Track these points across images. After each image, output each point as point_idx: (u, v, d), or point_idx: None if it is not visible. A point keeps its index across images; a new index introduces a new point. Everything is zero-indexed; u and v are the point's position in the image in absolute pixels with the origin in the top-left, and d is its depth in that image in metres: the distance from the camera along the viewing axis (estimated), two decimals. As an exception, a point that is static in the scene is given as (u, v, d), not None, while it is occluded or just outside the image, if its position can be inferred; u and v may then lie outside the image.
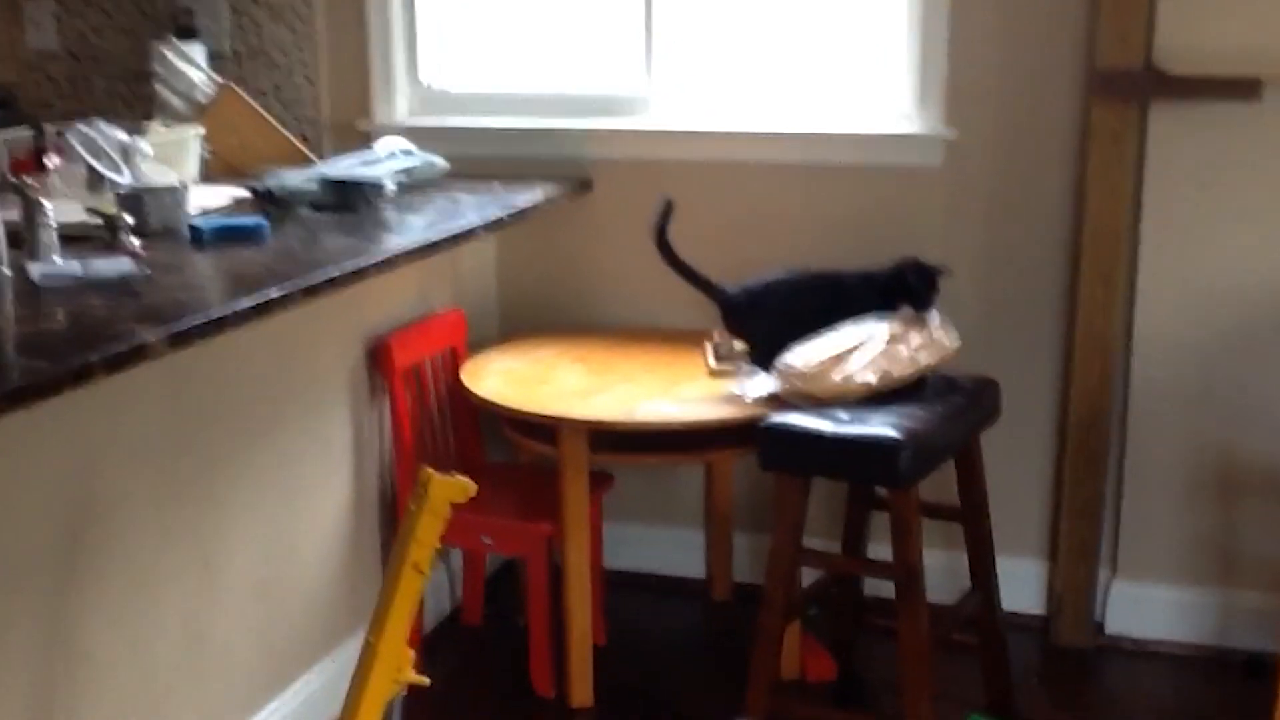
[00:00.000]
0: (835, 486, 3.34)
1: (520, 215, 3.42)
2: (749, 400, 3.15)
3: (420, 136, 3.70)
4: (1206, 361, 3.44)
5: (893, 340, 3.10)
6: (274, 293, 2.46)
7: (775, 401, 3.10)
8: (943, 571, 3.48)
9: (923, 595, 2.90)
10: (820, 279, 3.31)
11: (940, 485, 3.23)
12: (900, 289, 3.22)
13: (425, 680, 2.22)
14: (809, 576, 3.33)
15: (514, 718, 3.29)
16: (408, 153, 3.55)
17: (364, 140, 3.81)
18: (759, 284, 3.29)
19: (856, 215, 3.68)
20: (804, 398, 3.07)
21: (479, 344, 3.69)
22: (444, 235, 3.08)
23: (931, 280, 3.22)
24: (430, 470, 2.16)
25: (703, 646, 3.68)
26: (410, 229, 3.13)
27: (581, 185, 3.75)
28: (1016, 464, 3.65)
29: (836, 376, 3.05)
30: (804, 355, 3.11)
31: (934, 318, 3.18)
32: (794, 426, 2.93)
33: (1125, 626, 3.61)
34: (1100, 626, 3.63)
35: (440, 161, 3.61)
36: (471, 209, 3.34)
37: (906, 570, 2.89)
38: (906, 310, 3.18)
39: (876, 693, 3.39)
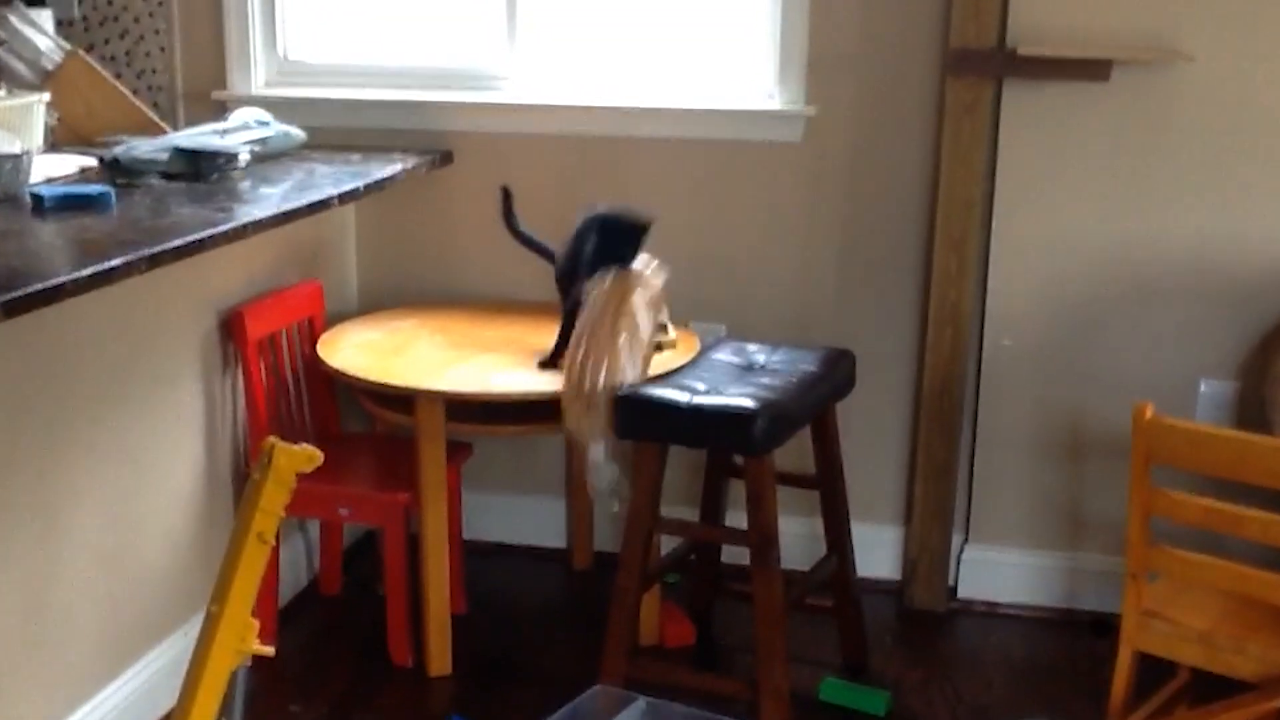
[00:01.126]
0: (695, 455, 3.38)
1: (378, 187, 3.39)
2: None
3: (278, 107, 3.66)
4: (1055, 330, 3.53)
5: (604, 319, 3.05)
6: (116, 260, 2.41)
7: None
8: (802, 538, 3.55)
9: (777, 561, 2.94)
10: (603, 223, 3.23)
11: (798, 454, 3.28)
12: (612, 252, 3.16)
13: (270, 650, 2.20)
14: (670, 545, 3.36)
15: (372, 687, 3.28)
16: (264, 123, 3.51)
17: (220, 110, 3.76)
18: (570, 243, 3.24)
19: (718, 190, 3.71)
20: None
21: (338, 316, 3.66)
22: (297, 206, 3.04)
23: (636, 236, 3.16)
24: (275, 439, 2.13)
25: (563, 614, 3.70)
26: (264, 200, 3.09)
27: (442, 158, 3.73)
28: (873, 432, 3.71)
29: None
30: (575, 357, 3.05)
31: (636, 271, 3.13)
32: (651, 396, 2.96)
33: (977, 590, 3.70)
34: (953, 590, 3.71)
35: (297, 133, 3.57)
36: (328, 180, 3.30)
37: (761, 536, 2.93)
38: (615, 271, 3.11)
39: (734, 657, 3.44)
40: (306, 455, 2.14)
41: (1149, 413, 2.64)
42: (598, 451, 3.15)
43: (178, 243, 2.58)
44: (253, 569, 2.14)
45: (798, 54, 3.60)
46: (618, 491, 3.28)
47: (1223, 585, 2.72)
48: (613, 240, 3.17)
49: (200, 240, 2.65)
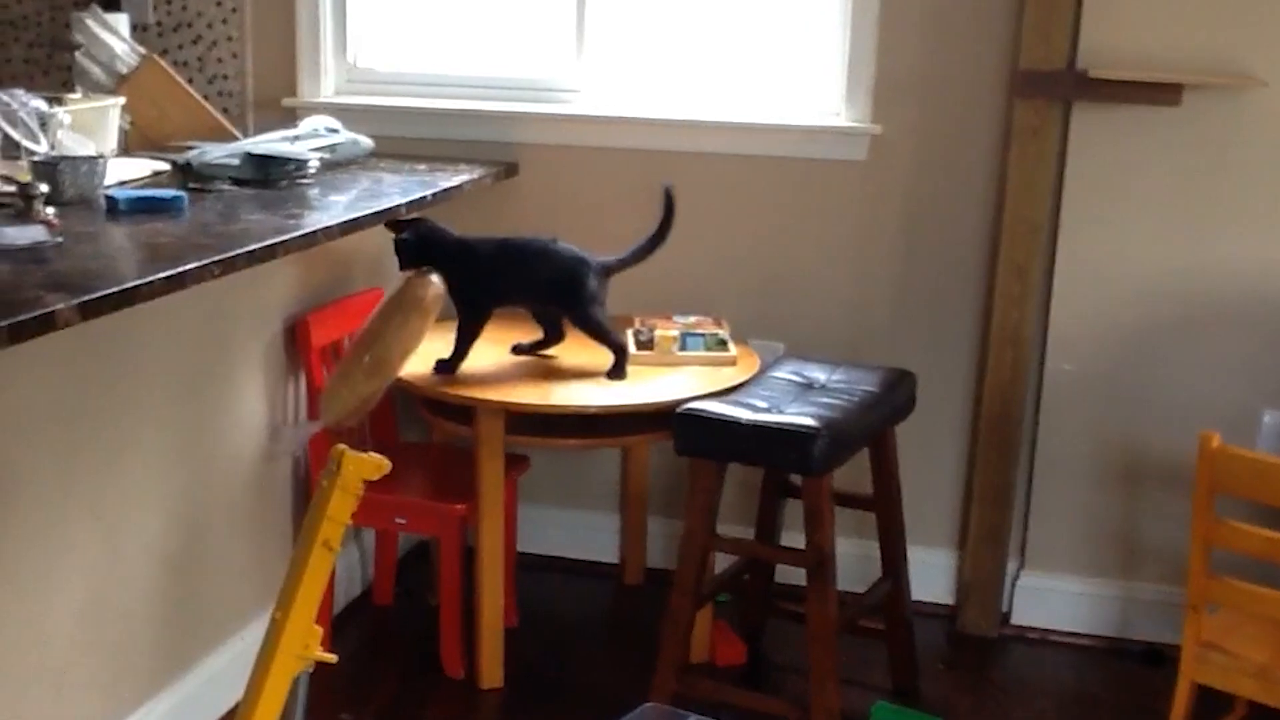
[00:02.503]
0: (750, 473, 3.37)
1: (444, 196, 3.41)
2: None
3: (347, 115, 3.69)
4: (1117, 356, 3.51)
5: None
6: (189, 265, 2.44)
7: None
8: (855, 560, 3.54)
9: (833, 581, 2.93)
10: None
11: (855, 475, 3.27)
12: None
13: (332, 658, 2.21)
14: (723, 563, 3.36)
15: (422, 698, 3.29)
16: (333, 130, 3.54)
17: (289, 117, 3.79)
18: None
19: (781, 206, 3.71)
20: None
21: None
22: (366, 214, 3.06)
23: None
24: (344, 447, 2.15)
25: (613, 630, 3.70)
26: (332, 207, 3.11)
27: (508, 169, 3.74)
28: (930, 455, 3.70)
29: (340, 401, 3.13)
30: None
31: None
32: (710, 413, 2.96)
33: (1030, 616, 3.67)
34: (1006, 616, 3.69)
35: (365, 140, 3.60)
36: (395, 189, 3.33)
37: (817, 556, 2.93)
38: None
39: (784, 676, 3.43)
40: (374, 463, 2.16)
41: (1215, 442, 2.62)
42: (306, 428, 3.21)
43: (250, 248, 2.60)
44: (318, 576, 2.15)
45: (865, 72, 3.60)
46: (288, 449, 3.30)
47: (1284, 618, 2.70)
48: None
49: (271, 246, 2.67)
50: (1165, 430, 3.48)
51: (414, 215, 3.25)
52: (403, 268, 3.22)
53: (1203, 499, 2.65)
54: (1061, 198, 3.48)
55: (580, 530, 3.97)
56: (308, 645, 2.16)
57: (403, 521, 3.34)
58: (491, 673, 3.30)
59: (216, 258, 2.51)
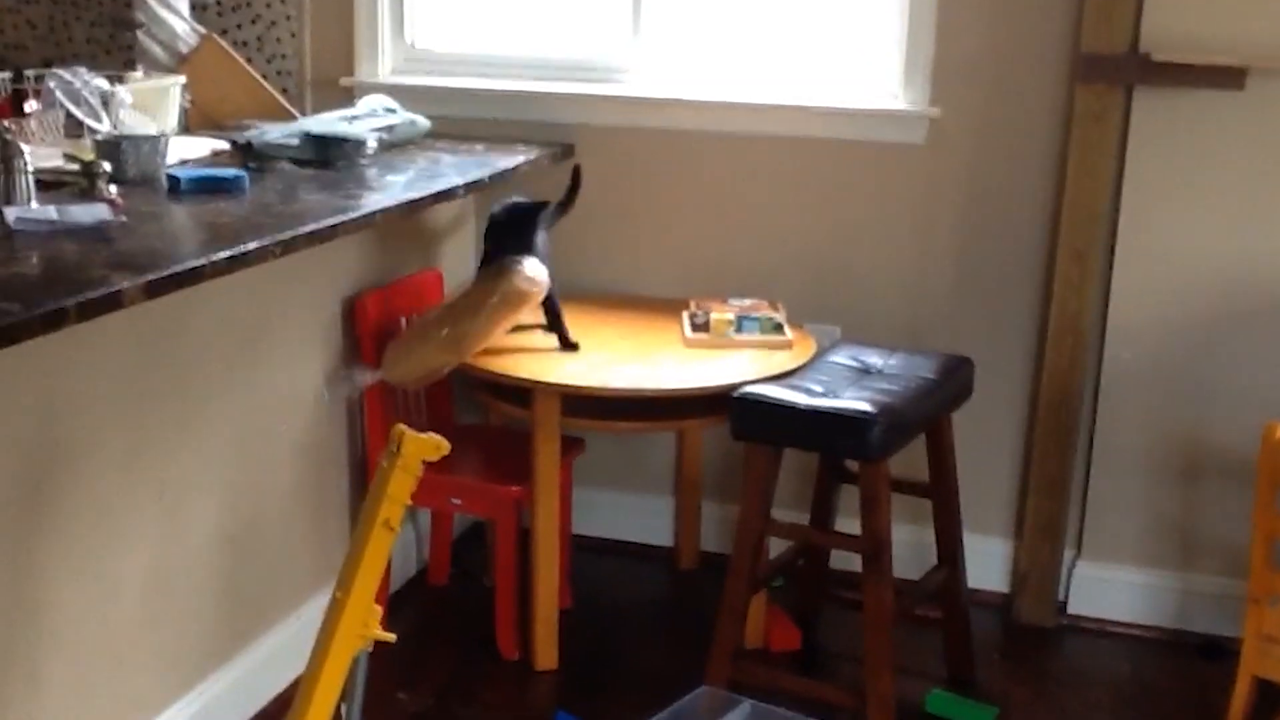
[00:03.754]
0: (806, 459, 3.36)
1: (501, 177, 3.41)
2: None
3: (404, 95, 3.69)
4: (1177, 345, 3.47)
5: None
6: (250, 245, 2.45)
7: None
8: (911, 547, 3.51)
9: (889, 568, 2.92)
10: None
11: (911, 461, 3.24)
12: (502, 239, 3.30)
13: (391, 637, 2.22)
14: (777, 548, 3.35)
15: (478, 678, 3.30)
16: (390, 111, 3.54)
17: (347, 97, 3.80)
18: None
19: (838, 190, 3.69)
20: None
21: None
22: (424, 195, 3.07)
23: (526, 223, 3.30)
24: (404, 427, 2.15)
25: (667, 614, 3.70)
26: (391, 187, 3.12)
27: (564, 150, 3.74)
28: (987, 442, 3.67)
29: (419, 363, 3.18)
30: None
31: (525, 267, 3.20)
32: (767, 397, 2.94)
33: (1087, 606, 3.64)
34: (1063, 605, 3.66)
35: (423, 121, 3.60)
36: (453, 169, 3.33)
37: (874, 543, 2.91)
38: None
39: (839, 663, 3.41)
40: (434, 443, 2.16)
41: (1279, 433, 2.59)
42: (363, 377, 3.22)
43: (311, 228, 2.61)
44: (378, 556, 2.16)
45: (924, 55, 3.56)
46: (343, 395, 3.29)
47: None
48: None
49: (331, 227, 2.68)
50: (1226, 421, 3.43)
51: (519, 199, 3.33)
52: (493, 251, 3.24)
53: (1265, 491, 2.62)
54: (1122, 184, 3.43)
55: (635, 514, 3.97)
56: (367, 624, 2.17)
57: (458, 503, 3.35)
58: (546, 654, 3.31)
59: (277, 238, 2.53)
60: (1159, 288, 3.45)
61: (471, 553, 3.80)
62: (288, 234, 2.55)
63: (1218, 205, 3.38)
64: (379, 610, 2.18)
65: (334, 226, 2.69)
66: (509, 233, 3.29)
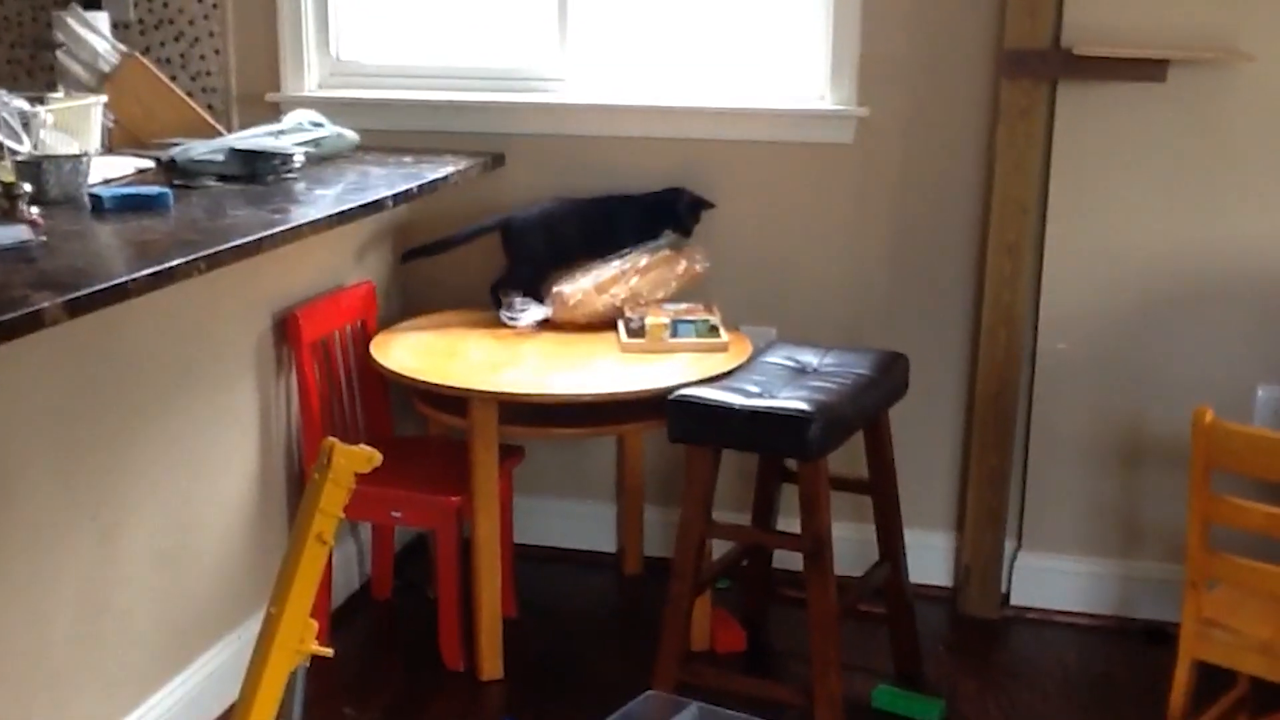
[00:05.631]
0: (747, 460, 3.36)
1: (431, 188, 3.39)
2: (521, 326, 3.48)
3: (331, 109, 3.67)
4: (1110, 334, 3.50)
5: (651, 267, 3.51)
6: (175, 261, 2.42)
7: (546, 325, 3.49)
8: (853, 544, 3.52)
9: (830, 566, 2.92)
10: (589, 206, 3.61)
11: (851, 458, 3.26)
12: (666, 215, 3.57)
13: (328, 651, 2.19)
14: (721, 550, 3.35)
15: (423, 690, 3.27)
16: (317, 125, 3.52)
17: (274, 112, 3.77)
18: (533, 211, 3.61)
19: (769, 191, 3.70)
20: (571, 321, 3.46)
21: (390, 317, 3.67)
22: (352, 207, 3.05)
23: (697, 210, 3.60)
24: (334, 440, 2.13)
25: (613, 619, 3.69)
26: (319, 201, 3.10)
27: (494, 159, 3.73)
28: (926, 437, 3.69)
29: (599, 302, 3.44)
30: (574, 284, 3.47)
31: (693, 248, 3.59)
32: (703, 399, 2.94)
33: (1030, 597, 3.66)
34: (1006, 597, 3.68)
35: (351, 134, 3.58)
36: (382, 182, 3.31)
37: (815, 541, 2.92)
38: (670, 236, 3.59)
39: (786, 662, 3.42)
40: (365, 456, 2.14)
41: (1209, 417, 2.61)
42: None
43: (236, 243, 2.58)
44: (312, 570, 2.14)
45: (850, 54, 3.58)
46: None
47: (1285, 592, 2.69)
48: (682, 208, 3.60)
49: (258, 241, 2.65)
50: (1161, 408, 3.47)
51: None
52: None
53: (1199, 475, 2.64)
54: (1050, 177, 3.46)
55: (578, 520, 3.96)
56: (303, 639, 2.14)
57: (398, 515, 3.33)
58: (491, 664, 3.29)
59: (203, 253, 2.50)
60: (1090, 278, 3.48)
61: (415, 565, 3.78)
62: (213, 249, 2.53)
63: (1144, 195, 3.42)
64: (315, 625, 2.16)
65: (260, 240, 2.67)
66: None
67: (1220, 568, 2.69)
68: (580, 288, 3.47)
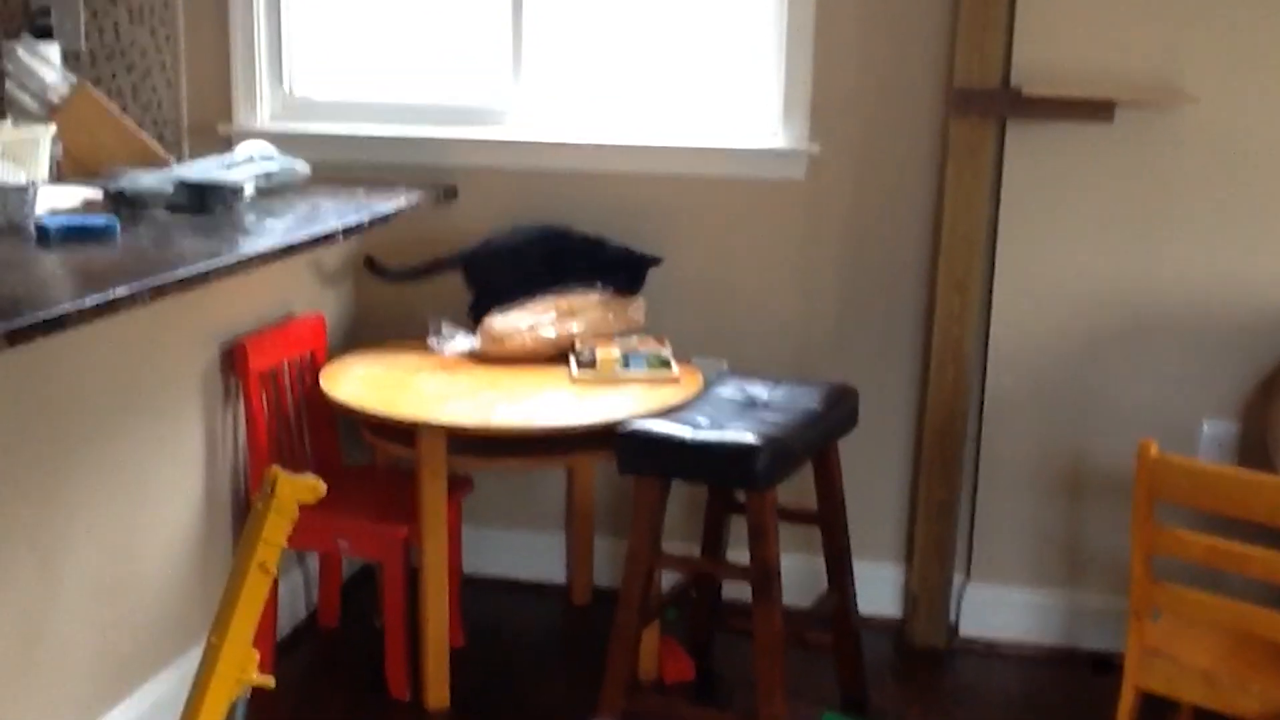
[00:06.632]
0: (697, 491, 3.37)
1: (383, 221, 3.39)
2: (445, 355, 3.50)
3: (283, 142, 3.67)
4: (1057, 369, 3.54)
5: (587, 310, 3.53)
6: (120, 291, 2.41)
7: (472, 358, 3.50)
8: (802, 574, 3.55)
9: (778, 595, 2.94)
10: (546, 235, 3.63)
11: (800, 490, 3.27)
12: (614, 273, 3.59)
13: (270, 681, 2.19)
14: (671, 581, 3.36)
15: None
16: (268, 157, 3.52)
17: (225, 144, 3.77)
18: (493, 240, 3.63)
19: (721, 227, 3.72)
20: (499, 355, 3.47)
21: (340, 349, 3.67)
22: (301, 239, 3.04)
23: (644, 270, 3.61)
24: (278, 469, 2.14)
25: (561, 649, 3.68)
26: (268, 232, 3.09)
27: (446, 192, 3.74)
28: (875, 469, 3.71)
29: (528, 338, 3.45)
30: (504, 318, 3.49)
31: (637, 300, 3.62)
32: (652, 432, 2.96)
33: (978, 627, 3.68)
34: (954, 628, 3.70)
35: (302, 167, 3.58)
36: (332, 214, 3.30)
37: (763, 571, 2.93)
38: (613, 289, 3.60)
39: (733, 691, 3.42)
40: (309, 485, 2.15)
41: (1153, 450, 2.64)
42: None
43: (181, 274, 2.57)
44: (254, 599, 2.13)
45: (802, 92, 3.62)
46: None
47: (1226, 623, 2.71)
48: (632, 266, 3.62)
49: (204, 272, 2.65)
50: (1108, 441, 3.51)
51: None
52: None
53: (1142, 506, 2.67)
54: (999, 215, 3.50)
55: (527, 551, 3.96)
56: (245, 669, 2.14)
57: (345, 544, 3.31)
58: (438, 694, 3.28)
59: (149, 283, 2.49)
60: (1038, 314, 3.52)
61: (363, 594, 3.77)
62: (158, 279, 2.51)
63: (1092, 232, 3.46)
64: (257, 655, 2.16)
65: (206, 272, 2.66)
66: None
67: (1163, 597, 2.71)
68: (512, 325, 3.47)
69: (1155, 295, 3.45)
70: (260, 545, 2.11)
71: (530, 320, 3.48)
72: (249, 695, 2.17)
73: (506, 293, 3.55)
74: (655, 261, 3.61)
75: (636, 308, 3.60)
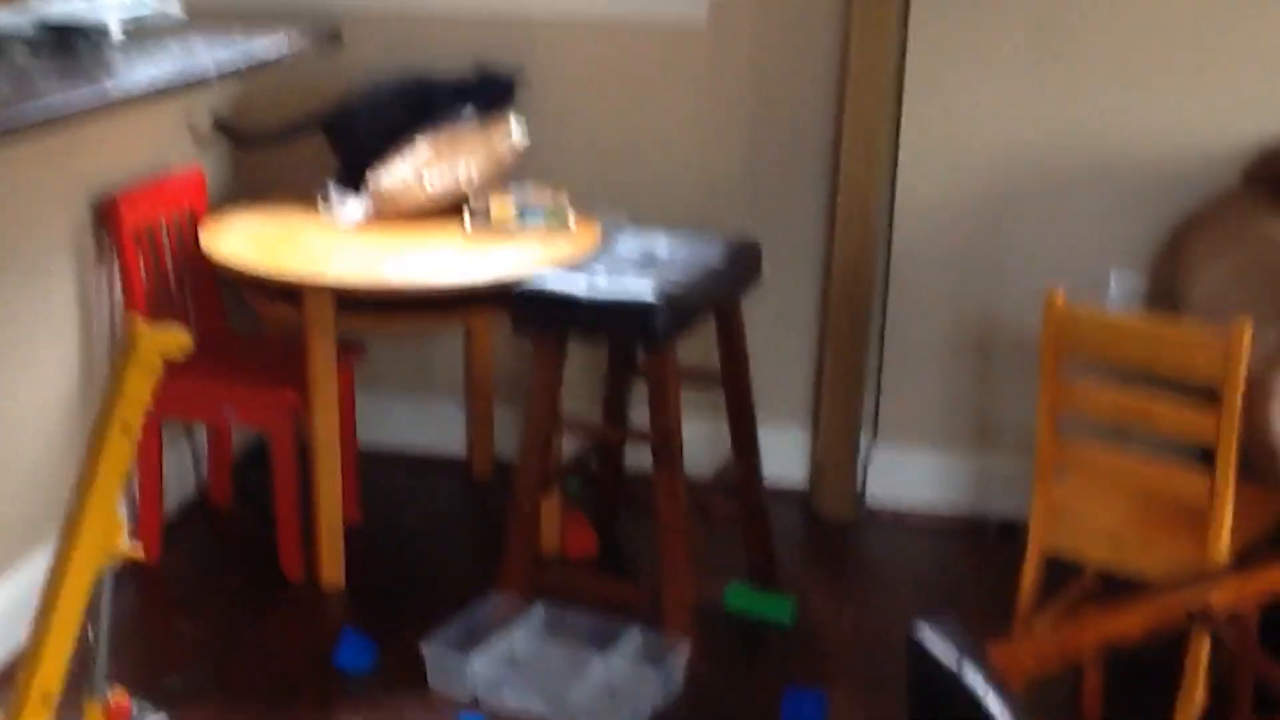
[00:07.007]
0: (600, 356, 3.25)
1: (261, 66, 3.19)
2: (341, 227, 3.25)
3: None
4: (965, 223, 3.45)
5: (464, 144, 3.31)
6: (-31, 132, 2.22)
7: (369, 223, 3.27)
8: (706, 442, 3.45)
9: (679, 460, 2.84)
10: (407, 87, 3.43)
11: (703, 352, 3.16)
12: (480, 93, 3.40)
13: (139, 553, 2.06)
14: (573, 451, 3.25)
15: (262, 602, 3.13)
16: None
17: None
18: (352, 99, 3.42)
19: (620, 74, 3.58)
20: (396, 214, 3.25)
21: (223, 206, 3.48)
22: (172, 80, 2.84)
23: (509, 84, 3.44)
24: (138, 320, 1.98)
25: (462, 525, 3.57)
26: (138, 75, 2.88)
27: (331, 37, 3.53)
28: (781, 331, 3.62)
29: (424, 189, 3.24)
30: (389, 174, 3.26)
31: (511, 120, 3.39)
32: (547, 290, 2.82)
33: (885, 494, 3.62)
34: (862, 498, 3.64)
35: (175, 9, 3.35)
36: (208, 57, 3.10)
37: (663, 435, 2.83)
38: (484, 113, 3.40)
39: (638, 565, 3.34)
40: (173, 338, 2.00)
41: (1060, 300, 2.56)
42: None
43: (33, 115, 2.37)
44: (117, 463, 1.99)
45: (700, -73, 3.45)
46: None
47: (1133, 483, 2.67)
48: (493, 84, 3.44)
49: (63, 115, 2.45)
50: (1016, 298, 3.43)
51: None
52: None
53: (1049, 360, 2.60)
54: (906, 57, 3.37)
55: (425, 421, 3.83)
56: (110, 539, 1.99)
57: (231, 411, 3.15)
58: (332, 573, 3.16)
59: (5, 122, 2.29)
60: (946, 164, 3.42)
61: (254, 471, 3.61)
62: (6, 122, 2.32)
63: (999, 82, 3.35)
64: (123, 523, 2.01)
65: (66, 115, 2.46)
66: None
67: (1070, 456, 2.66)
68: (400, 178, 3.27)
69: (1064, 146, 3.36)
70: (121, 403, 1.96)
71: (412, 168, 3.28)
72: (118, 568, 2.02)
73: (376, 152, 3.35)
74: (515, 74, 3.44)
75: (514, 128, 3.37)
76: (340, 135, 3.41)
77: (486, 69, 3.44)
